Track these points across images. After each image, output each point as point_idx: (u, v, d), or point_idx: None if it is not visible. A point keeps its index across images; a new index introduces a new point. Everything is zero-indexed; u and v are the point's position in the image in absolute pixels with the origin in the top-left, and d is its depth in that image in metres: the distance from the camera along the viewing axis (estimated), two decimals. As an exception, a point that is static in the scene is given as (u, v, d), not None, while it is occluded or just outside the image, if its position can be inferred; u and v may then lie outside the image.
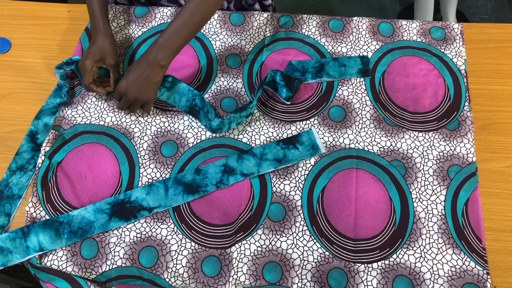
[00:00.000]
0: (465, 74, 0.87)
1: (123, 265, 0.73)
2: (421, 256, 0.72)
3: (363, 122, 0.83)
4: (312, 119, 0.84)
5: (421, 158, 0.79)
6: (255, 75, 0.89)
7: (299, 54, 0.91)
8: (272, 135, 0.83)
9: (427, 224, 0.74)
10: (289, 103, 0.85)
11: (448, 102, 0.84)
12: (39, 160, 0.81)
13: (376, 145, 0.81)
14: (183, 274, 0.72)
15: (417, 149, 0.80)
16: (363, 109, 0.84)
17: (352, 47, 0.91)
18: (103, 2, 0.86)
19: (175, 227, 0.76)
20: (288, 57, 0.91)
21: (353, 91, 0.86)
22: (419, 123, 0.82)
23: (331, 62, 0.89)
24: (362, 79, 0.88)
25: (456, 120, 0.82)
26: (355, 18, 0.94)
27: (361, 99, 0.86)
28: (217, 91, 0.88)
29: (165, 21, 0.97)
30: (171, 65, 0.90)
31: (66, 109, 0.88)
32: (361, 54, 0.90)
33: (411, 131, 0.82)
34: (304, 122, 0.84)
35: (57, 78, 0.89)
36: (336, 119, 0.84)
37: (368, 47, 0.91)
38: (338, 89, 0.87)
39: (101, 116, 0.87)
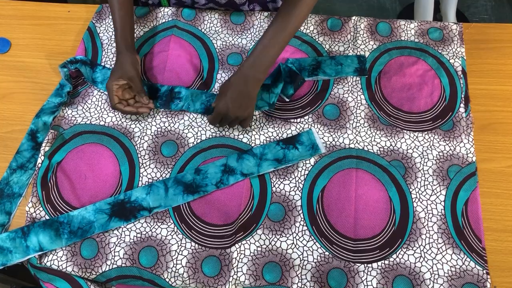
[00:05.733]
0: (461, 75, 0.86)
1: (123, 265, 0.73)
2: (421, 256, 0.72)
3: (358, 121, 0.83)
4: (306, 117, 0.84)
5: (421, 158, 0.79)
6: (255, 75, 0.89)
7: (296, 52, 0.91)
8: (272, 135, 0.83)
9: (427, 224, 0.74)
10: (288, 100, 0.85)
11: (443, 102, 0.84)
12: (39, 160, 0.81)
13: (376, 145, 0.81)
14: (183, 274, 0.72)
15: (416, 149, 0.80)
16: (357, 107, 0.84)
17: (349, 46, 0.91)
18: (124, 15, 0.83)
19: (175, 227, 0.76)
20: (285, 54, 0.90)
21: (348, 89, 0.86)
22: (414, 123, 0.82)
23: (328, 61, 0.89)
24: (358, 78, 0.88)
25: (450, 121, 0.82)
26: (353, 17, 0.94)
27: (356, 97, 0.85)
28: (218, 91, 0.88)
29: (166, 20, 0.96)
30: (172, 65, 0.91)
31: (67, 109, 0.88)
32: (358, 53, 0.90)
33: (411, 131, 0.82)
34: (299, 119, 0.84)
35: (61, 77, 0.89)
36: (330, 117, 0.84)
37: (366, 46, 0.91)
38: (333, 87, 0.87)
39: (101, 116, 0.87)
